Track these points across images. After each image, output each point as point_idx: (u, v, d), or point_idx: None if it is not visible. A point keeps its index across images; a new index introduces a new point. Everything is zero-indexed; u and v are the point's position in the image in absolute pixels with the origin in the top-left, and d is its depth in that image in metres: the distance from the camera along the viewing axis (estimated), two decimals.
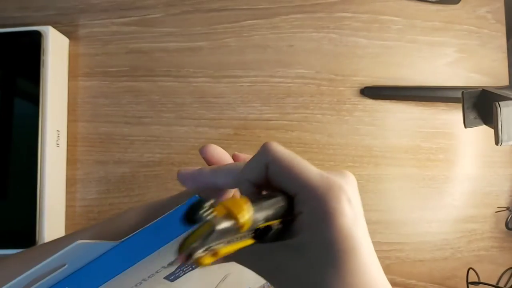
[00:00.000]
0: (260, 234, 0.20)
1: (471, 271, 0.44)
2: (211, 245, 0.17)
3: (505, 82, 0.46)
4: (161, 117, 0.48)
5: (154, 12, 0.49)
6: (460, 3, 0.46)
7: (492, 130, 0.37)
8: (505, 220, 0.45)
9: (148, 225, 0.24)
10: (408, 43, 0.47)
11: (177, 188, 0.47)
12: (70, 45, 0.49)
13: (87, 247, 0.22)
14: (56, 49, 0.47)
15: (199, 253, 0.16)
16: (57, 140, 0.46)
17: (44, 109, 0.44)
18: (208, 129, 0.47)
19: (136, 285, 0.25)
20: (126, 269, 0.23)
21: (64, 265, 0.22)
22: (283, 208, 0.20)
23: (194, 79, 0.48)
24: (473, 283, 0.44)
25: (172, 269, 0.25)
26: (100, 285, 0.23)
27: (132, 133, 0.47)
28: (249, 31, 0.48)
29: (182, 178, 0.25)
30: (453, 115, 0.46)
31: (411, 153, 0.46)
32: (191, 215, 0.17)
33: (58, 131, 0.46)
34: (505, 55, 0.46)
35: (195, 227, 0.17)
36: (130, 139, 0.48)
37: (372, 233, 0.50)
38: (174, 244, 0.23)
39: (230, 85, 0.48)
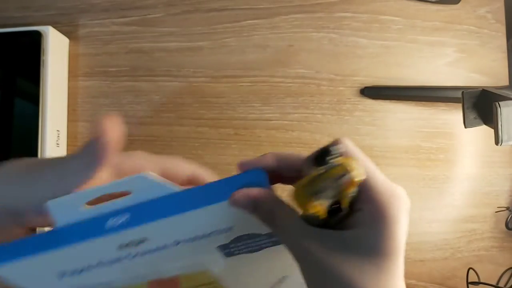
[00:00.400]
0: (331, 211, 0.21)
1: (471, 271, 0.44)
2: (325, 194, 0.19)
3: (505, 82, 0.46)
4: (161, 117, 0.48)
5: (154, 12, 0.49)
6: (460, 3, 0.46)
7: (492, 130, 0.37)
8: (505, 220, 0.45)
9: (220, 180, 0.23)
10: (408, 43, 0.47)
11: None
12: (70, 45, 0.49)
13: (152, 183, 0.23)
14: (56, 49, 0.47)
15: (320, 198, 0.19)
16: (57, 140, 0.46)
17: (44, 109, 0.44)
18: (208, 129, 0.47)
19: (188, 241, 0.24)
20: (186, 211, 0.23)
21: (129, 193, 0.23)
22: (354, 198, 0.21)
23: (194, 79, 0.48)
24: (473, 283, 0.44)
25: (228, 240, 0.25)
26: (158, 219, 0.23)
27: (133, 133, 0.47)
28: (249, 31, 0.48)
29: (243, 165, 0.24)
30: (453, 115, 0.46)
31: (411, 153, 0.46)
32: (322, 157, 0.19)
33: (58, 131, 0.46)
34: (505, 55, 0.46)
35: (322, 168, 0.19)
36: (130, 139, 0.48)
37: None
38: (235, 211, 0.23)
39: (230, 85, 0.48)
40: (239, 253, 0.26)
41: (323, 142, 0.46)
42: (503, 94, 0.37)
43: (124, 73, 0.48)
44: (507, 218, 0.45)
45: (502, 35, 0.46)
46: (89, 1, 0.50)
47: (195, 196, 0.23)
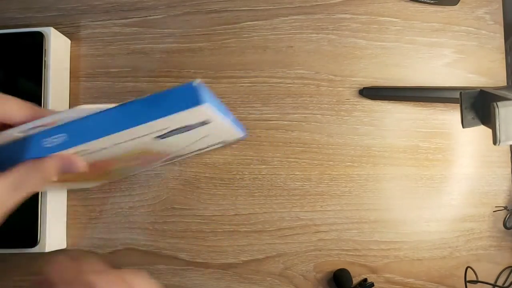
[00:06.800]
0: None
1: (469, 270, 0.44)
2: None
3: (503, 83, 0.47)
4: None
5: (155, 14, 0.49)
6: (459, 4, 0.46)
7: (490, 130, 0.37)
8: (503, 219, 0.45)
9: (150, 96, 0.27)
10: (407, 44, 0.47)
11: (178, 188, 0.48)
12: (72, 46, 0.50)
13: (88, 111, 0.26)
14: (58, 50, 0.47)
15: None
16: None
17: None
18: None
19: (127, 141, 0.29)
20: (127, 129, 0.27)
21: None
22: None
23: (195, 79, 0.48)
24: (471, 281, 0.44)
25: (163, 132, 0.29)
26: (97, 138, 0.27)
27: None
28: (249, 32, 0.48)
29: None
30: (451, 115, 0.46)
31: (410, 152, 0.46)
32: None
33: None
34: (503, 55, 0.47)
35: None
36: None
37: (370, 232, 0.50)
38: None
39: (230, 86, 0.48)
40: (171, 136, 0.31)
41: (322, 142, 0.47)
42: (501, 95, 0.37)
43: (125, 74, 0.49)
44: (505, 218, 0.45)
45: (500, 36, 0.47)
46: (90, 2, 0.50)
47: (130, 113, 0.27)
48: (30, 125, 0.26)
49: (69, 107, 0.49)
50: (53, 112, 0.27)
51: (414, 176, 0.46)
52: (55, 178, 0.28)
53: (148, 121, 0.26)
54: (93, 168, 0.31)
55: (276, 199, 0.47)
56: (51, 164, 0.27)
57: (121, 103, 0.27)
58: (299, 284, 0.46)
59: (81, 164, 0.28)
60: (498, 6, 0.47)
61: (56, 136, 0.26)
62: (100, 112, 0.27)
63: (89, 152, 0.28)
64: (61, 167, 0.27)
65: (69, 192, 0.48)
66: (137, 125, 0.27)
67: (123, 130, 0.27)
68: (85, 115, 0.27)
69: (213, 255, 0.47)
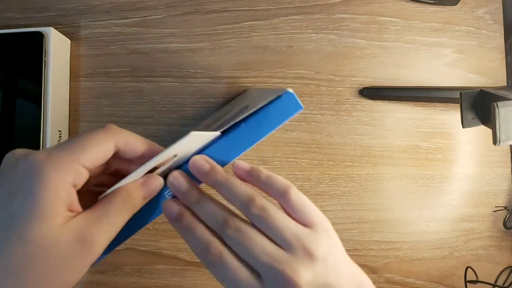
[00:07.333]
0: None
1: (469, 270, 0.45)
2: None
3: (503, 83, 0.47)
4: (162, 117, 0.48)
5: (155, 13, 0.49)
6: (459, 4, 0.46)
7: (490, 130, 0.37)
8: (503, 219, 0.45)
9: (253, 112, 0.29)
10: (407, 44, 0.47)
11: None
12: (71, 46, 0.50)
13: (200, 136, 0.27)
14: (58, 50, 0.47)
15: None
16: (59, 140, 0.46)
17: (46, 109, 0.45)
18: None
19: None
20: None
21: (176, 155, 0.27)
22: None
23: (195, 79, 0.48)
24: (471, 281, 0.44)
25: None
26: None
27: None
28: (249, 32, 0.48)
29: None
30: (451, 115, 0.46)
31: (410, 152, 0.46)
32: None
33: (60, 131, 0.47)
34: (503, 55, 0.47)
35: None
36: None
37: (370, 232, 0.50)
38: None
39: (230, 86, 0.48)
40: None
41: (322, 142, 0.47)
42: (501, 95, 0.37)
43: (125, 74, 0.49)
44: (505, 217, 0.45)
45: (500, 36, 0.47)
46: (90, 2, 0.50)
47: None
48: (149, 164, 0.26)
49: (68, 107, 0.49)
50: (163, 149, 0.27)
51: (414, 176, 0.46)
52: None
53: (259, 139, 0.29)
54: None
55: None
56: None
57: (225, 126, 0.29)
58: None
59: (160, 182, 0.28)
60: (498, 6, 0.47)
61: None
62: (212, 145, 0.29)
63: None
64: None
65: None
66: (248, 147, 0.29)
67: (237, 156, 0.29)
68: (196, 142, 0.27)
69: None
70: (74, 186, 0.24)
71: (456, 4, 0.46)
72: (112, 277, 0.48)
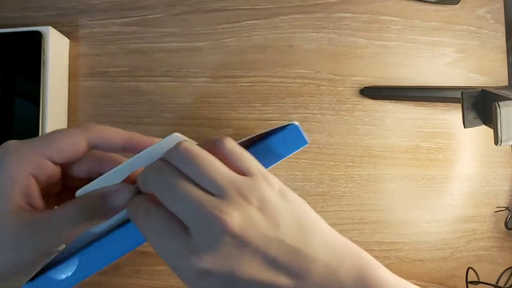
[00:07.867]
0: None
1: (470, 270, 0.44)
2: None
3: (505, 82, 0.46)
4: (162, 117, 0.48)
5: (154, 13, 0.49)
6: (460, 3, 0.46)
7: (491, 130, 0.37)
8: (504, 219, 0.45)
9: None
10: (408, 43, 0.47)
11: None
12: (70, 46, 0.49)
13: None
14: (57, 49, 0.47)
15: None
16: None
17: (45, 109, 0.44)
18: (208, 129, 0.47)
19: None
20: None
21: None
22: None
23: (194, 79, 0.48)
24: (472, 282, 0.44)
25: None
26: None
27: None
28: (249, 31, 0.48)
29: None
30: (453, 115, 0.46)
31: (411, 152, 0.46)
32: None
33: None
34: (505, 55, 0.46)
35: None
36: None
37: (371, 232, 0.50)
38: None
39: (230, 85, 0.48)
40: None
41: (322, 142, 0.46)
42: (502, 94, 0.37)
43: (124, 73, 0.49)
44: (507, 218, 0.45)
45: (502, 35, 0.46)
46: (89, 1, 0.50)
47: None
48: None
49: (68, 107, 0.49)
50: (149, 140, 0.27)
51: (415, 176, 0.46)
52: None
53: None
54: None
55: None
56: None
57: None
58: None
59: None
60: (499, 5, 0.46)
61: None
62: None
63: None
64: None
65: None
66: None
67: None
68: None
69: None
70: (35, 177, 0.24)
71: (457, 3, 0.46)
72: (111, 278, 0.47)
